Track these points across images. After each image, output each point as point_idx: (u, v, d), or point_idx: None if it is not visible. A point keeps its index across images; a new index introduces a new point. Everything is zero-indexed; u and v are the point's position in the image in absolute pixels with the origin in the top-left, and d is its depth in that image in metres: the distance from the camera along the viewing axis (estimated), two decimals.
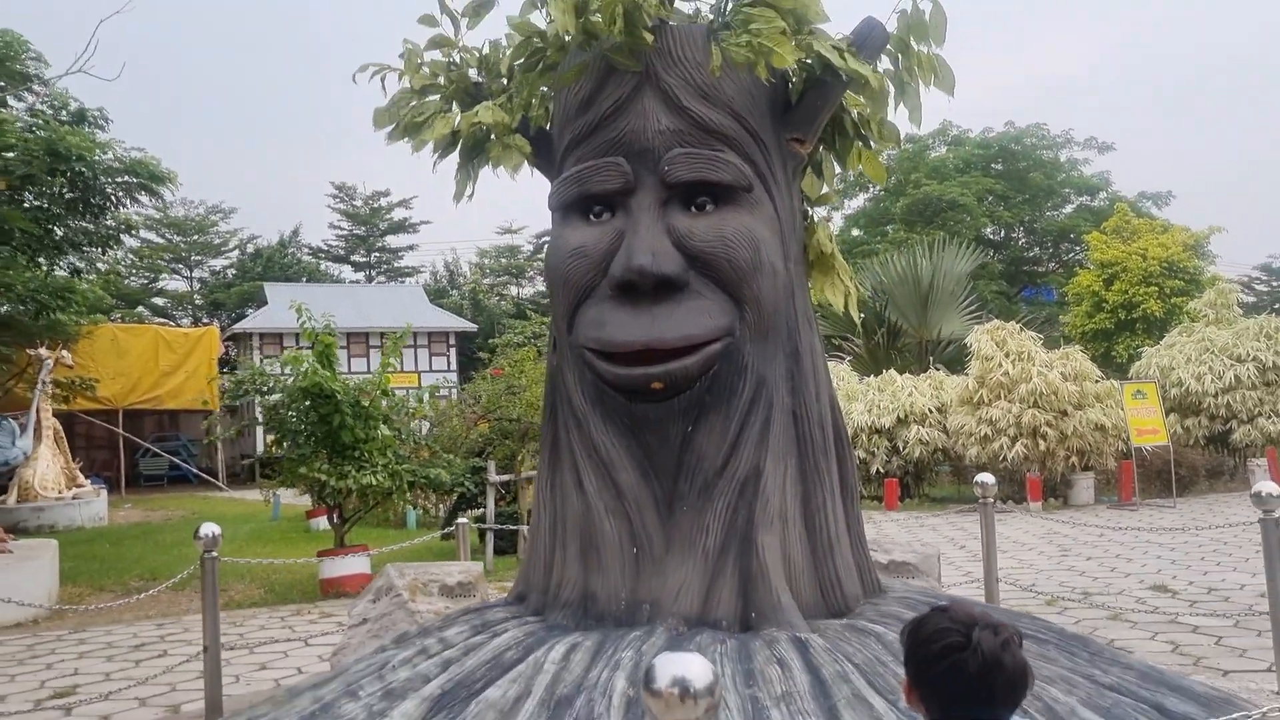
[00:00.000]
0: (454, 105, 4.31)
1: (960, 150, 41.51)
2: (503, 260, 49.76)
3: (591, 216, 4.09)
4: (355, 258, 50.67)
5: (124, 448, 28.09)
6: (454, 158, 4.40)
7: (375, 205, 49.38)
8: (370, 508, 11.54)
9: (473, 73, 4.39)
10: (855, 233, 42.93)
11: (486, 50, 4.40)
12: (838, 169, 4.75)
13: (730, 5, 4.03)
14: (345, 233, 50.06)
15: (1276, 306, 49.44)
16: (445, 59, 4.37)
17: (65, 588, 10.69)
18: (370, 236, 50.07)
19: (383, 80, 4.35)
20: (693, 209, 3.98)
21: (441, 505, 15.05)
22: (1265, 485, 5.28)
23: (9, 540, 10.76)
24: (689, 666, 1.91)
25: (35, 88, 14.29)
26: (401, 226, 49.76)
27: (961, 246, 26.99)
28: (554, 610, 4.12)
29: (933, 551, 6.36)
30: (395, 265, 51.06)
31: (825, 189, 4.76)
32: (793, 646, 3.67)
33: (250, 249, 46.80)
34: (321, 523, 15.05)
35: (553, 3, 3.93)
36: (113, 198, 13.71)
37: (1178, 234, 28.47)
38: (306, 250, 49.35)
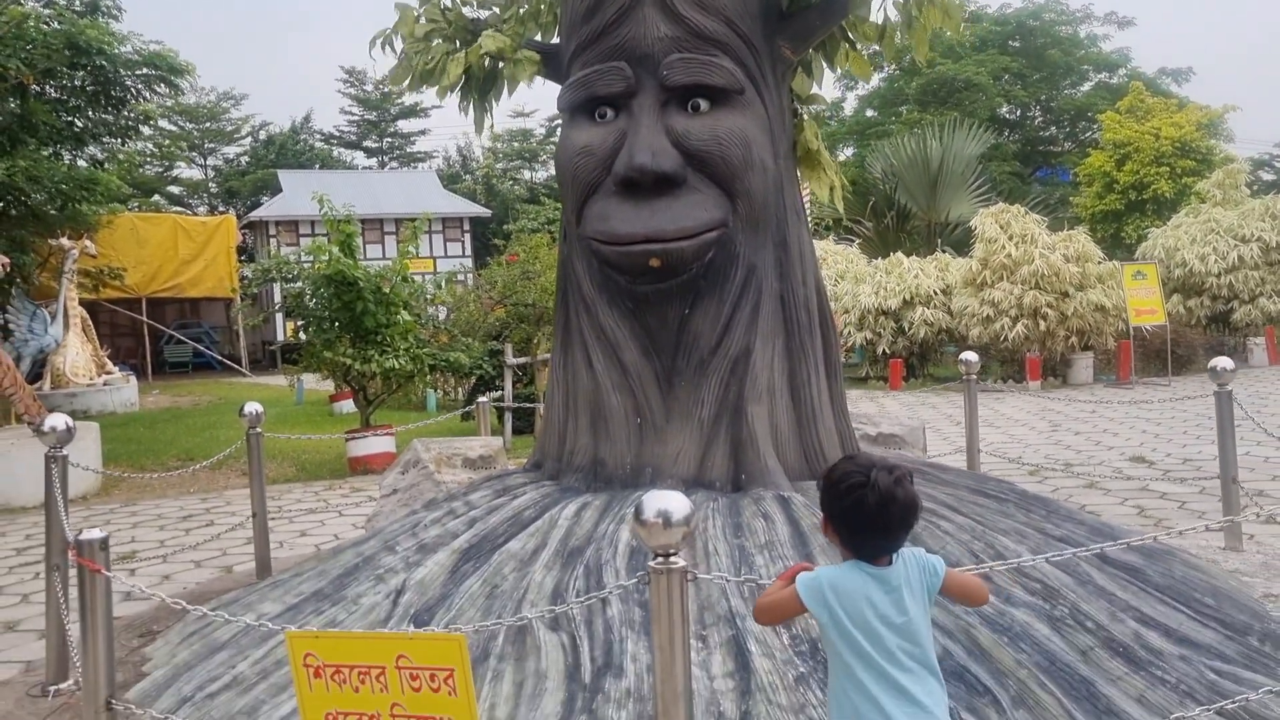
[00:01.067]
0: (458, 44, 4.63)
1: (977, 27, 40.77)
2: (515, 144, 49.56)
3: (597, 117, 4.46)
4: (367, 144, 50.58)
5: (148, 335, 28.74)
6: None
7: (386, 90, 49.02)
8: (393, 390, 12.09)
9: (467, 10, 4.69)
10: (870, 113, 42.53)
11: None
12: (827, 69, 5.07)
13: None
14: (357, 118, 49.86)
15: None
16: (439, 5, 4.67)
17: (108, 467, 11.33)
18: (382, 122, 49.87)
19: (389, 45, 4.67)
20: (690, 110, 4.34)
21: (460, 388, 15.63)
22: (1219, 360, 5.69)
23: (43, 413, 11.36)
24: (670, 500, 2.39)
25: None
26: (413, 111, 49.47)
27: (972, 129, 26.91)
28: (567, 475, 4.64)
29: (918, 425, 6.87)
30: (408, 151, 50.98)
31: (815, 88, 5.09)
32: (776, 503, 4.17)
33: (263, 136, 46.80)
34: (345, 406, 15.67)
35: None
36: (132, 89, 13.97)
37: (1192, 113, 28.26)
38: (319, 136, 49.28)
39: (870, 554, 2.36)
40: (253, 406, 6.20)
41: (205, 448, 12.14)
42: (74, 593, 3.53)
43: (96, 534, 3.14)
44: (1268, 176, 48.52)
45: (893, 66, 41.67)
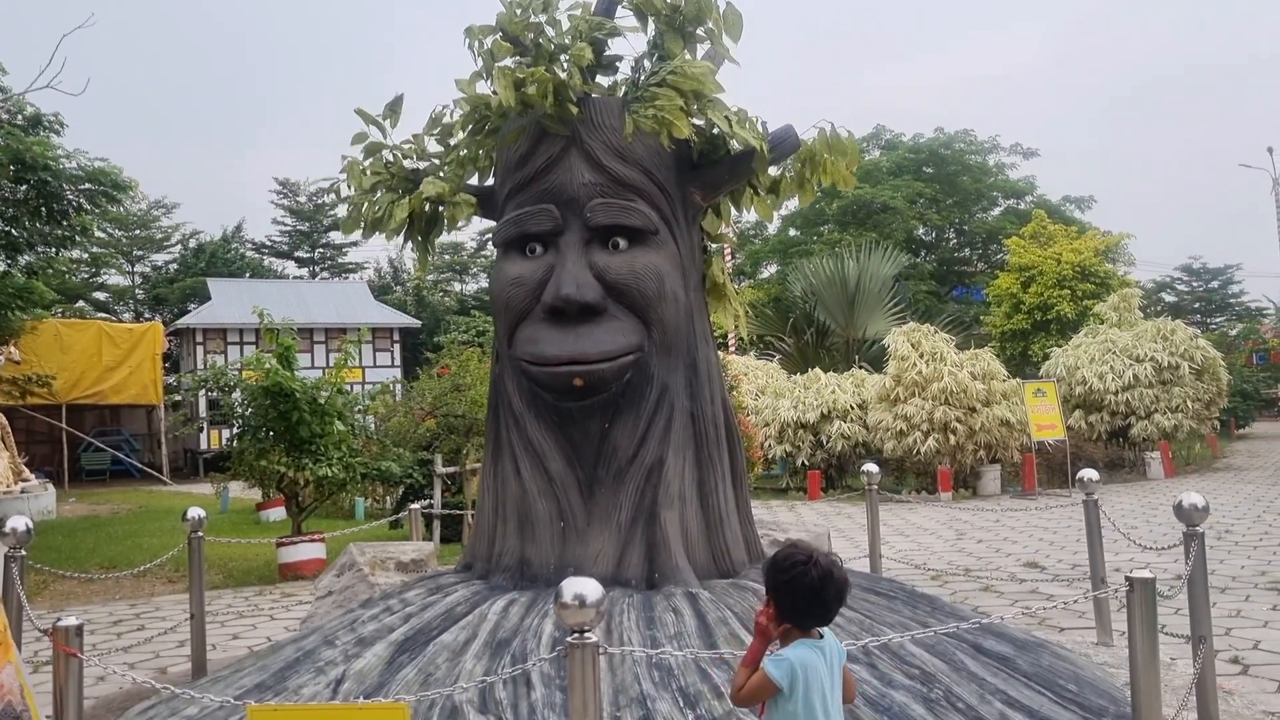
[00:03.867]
0: (401, 192, 5.20)
1: (893, 154, 42.92)
2: (446, 257, 50.35)
3: (528, 252, 5.02)
4: (299, 254, 50.96)
5: (67, 442, 28.37)
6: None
7: (319, 202, 49.69)
8: (325, 498, 12.33)
9: (408, 163, 5.28)
10: (792, 232, 44.11)
11: (425, 126, 5.30)
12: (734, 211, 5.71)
13: (642, 80, 4.98)
14: (289, 229, 50.35)
15: (1196, 306, 51.80)
16: (382, 160, 5.26)
17: (30, 576, 11.31)
18: (314, 233, 50.38)
19: (337, 192, 5.25)
20: (610, 247, 4.92)
21: (389, 497, 15.85)
22: (1086, 472, 6.32)
23: None
24: (585, 586, 2.86)
25: None
26: None
27: (888, 250, 28.25)
28: (496, 574, 5.06)
29: (824, 531, 7.39)
30: (339, 261, 51.43)
31: (724, 228, 5.73)
32: (685, 599, 4.64)
33: (193, 244, 46.93)
34: (273, 514, 15.77)
35: (497, 78, 4.85)
36: (73, 203, 14.33)
37: (1091, 239, 30.02)
38: (250, 246, 49.56)
39: (808, 625, 2.85)
40: (195, 511, 6.51)
41: (128, 556, 12.17)
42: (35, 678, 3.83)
43: (73, 620, 3.48)
44: (1169, 298, 51.11)
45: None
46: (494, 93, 4.93)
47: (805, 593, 2.81)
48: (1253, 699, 5.50)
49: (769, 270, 43.39)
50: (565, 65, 4.88)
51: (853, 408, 19.38)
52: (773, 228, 45.85)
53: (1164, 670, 5.75)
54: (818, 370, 20.83)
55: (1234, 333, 44.75)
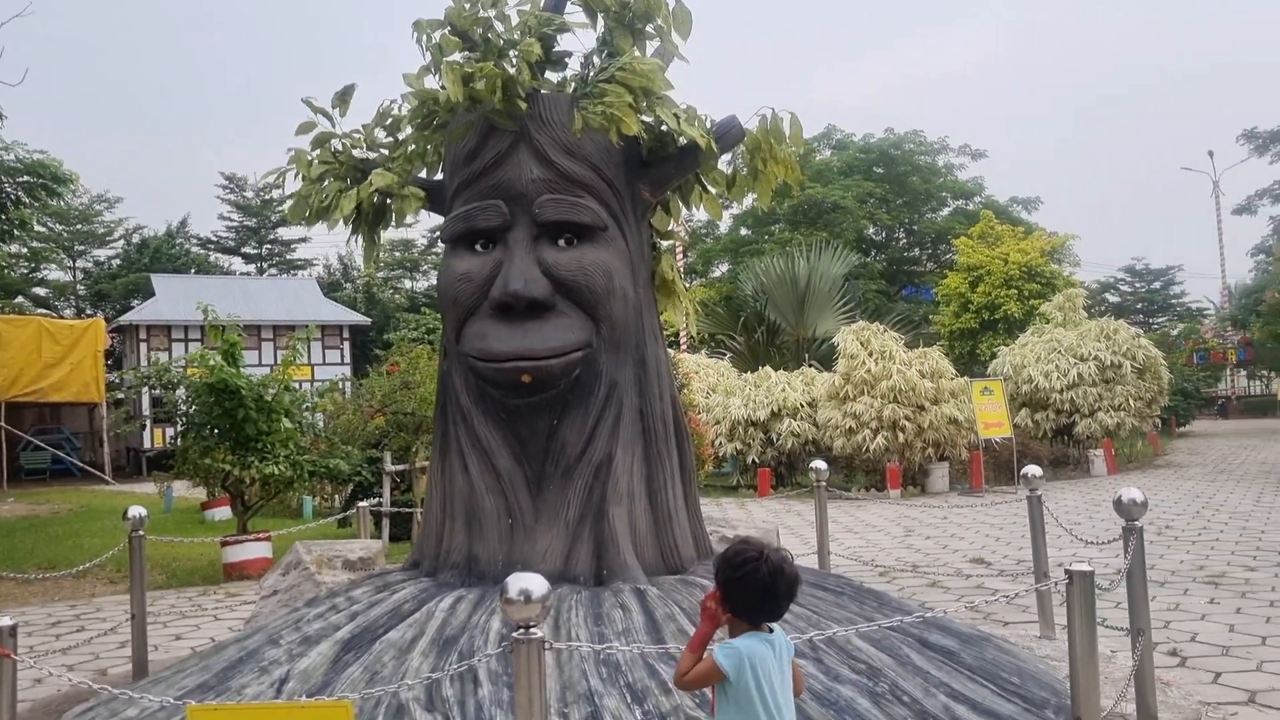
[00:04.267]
0: (349, 182, 5.15)
1: (843, 154, 43.29)
2: (396, 254, 49.96)
3: (477, 247, 4.99)
4: (246, 250, 50.30)
5: (4, 441, 27.75)
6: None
7: (266, 197, 49.08)
8: (271, 497, 12.18)
9: (357, 152, 5.23)
10: (744, 231, 44.34)
11: (373, 120, 5.24)
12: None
13: (591, 76, 4.97)
14: (235, 224, 49.67)
15: (1139, 306, 52.84)
16: (330, 149, 5.21)
17: None
18: (261, 228, 49.75)
19: (281, 181, 5.19)
20: (559, 244, 4.90)
21: (337, 496, 15.70)
22: (1030, 469, 6.41)
23: None
24: (531, 581, 2.85)
25: None
26: None
27: (838, 250, 28.48)
28: (444, 571, 5.03)
29: (772, 528, 7.43)
30: (288, 258, 50.83)
31: (673, 225, 5.73)
32: (633, 595, 4.64)
33: (136, 239, 46.14)
34: (218, 514, 15.55)
35: (445, 73, 4.81)
36: (11, 196, 14.02)
37: (1037, 240, 30.49)
38: (195, 241, 48.82)
39: (759, 620, 2.86)
40: (136, 510, 6.39)
41: (68, 557, 11.94)
42: None
43: (5, 620, 3.41)
44: (1113, 298, 52.06)
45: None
46: (442, 87, 4.90)
47: (757, 588, 2.82)
48: (1190, 689, 5.61)
49: (721, 269, 43.57)
50: (514, 61, 4.85)
51: (803, 406, 19.51)
52: (724, 226, 46.09)
53: (1104, 662, 5.85)
54: (768, 368, 20.94)
55: (1175, 333, 45.76)
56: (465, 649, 4.28)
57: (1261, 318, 33.45)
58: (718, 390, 20.79)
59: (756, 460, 19.40)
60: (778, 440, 19.38)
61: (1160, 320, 51.26)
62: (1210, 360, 43.88)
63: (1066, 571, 3.89)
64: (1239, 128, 45.17)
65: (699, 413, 18.68)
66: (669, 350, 5.57)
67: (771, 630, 2.89)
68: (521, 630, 2.88)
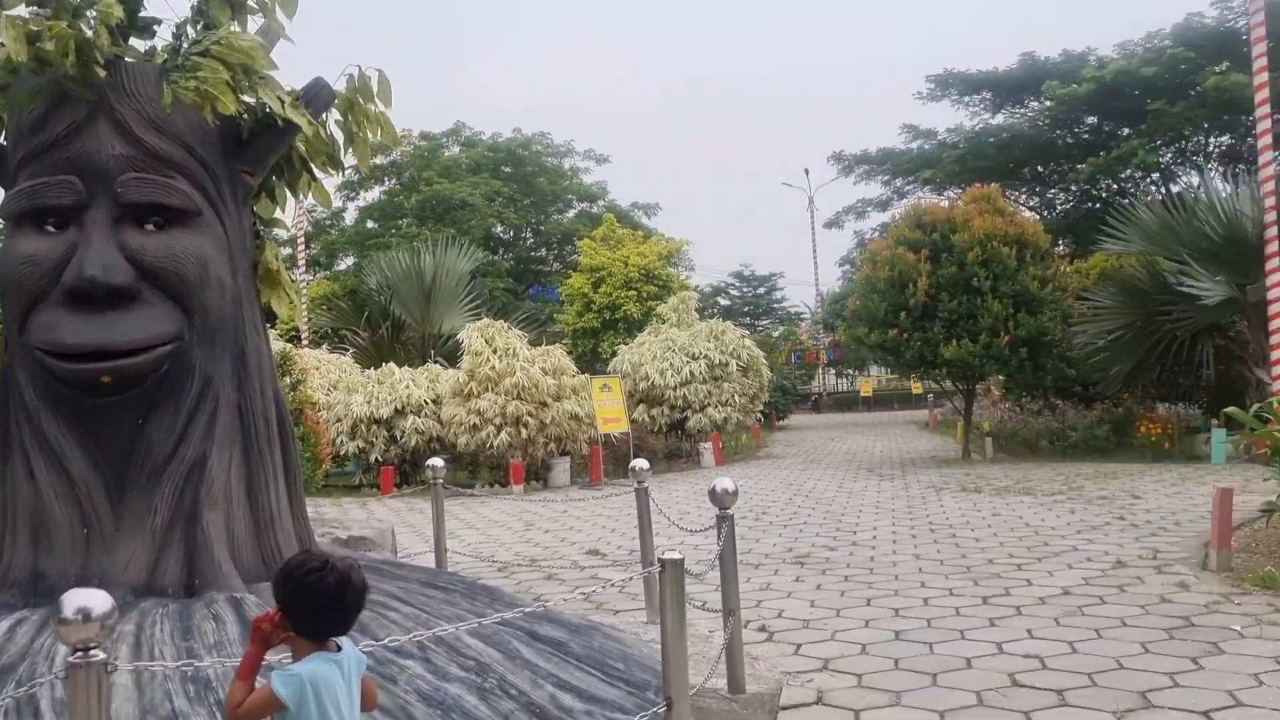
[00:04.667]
0: None
1: (472, 151, 43.43)
2: None
3: (47, 228, 4.45)
4: None
5: None
6: None
7: None
8: None
9: None
10: (370, 224, 43.36)
11: None
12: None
13: (184, 48, 4.59)
14: None
15: (746, 309, 57.25)
16: None
17: None
18: None
19: None
20: (147, 227, 4.48)
21: None
22: (638, 462, 6.71)
23: None
24: (91, 597, 2.56)
25: None
26: None
27: (465, 246, 28.52)
28: (4, 591, 4.45)
29: (388, 527, 7.28)
30: None
31: (278, 212, 5.43)
32: (229, 605, 4.33)
33: None
34: None
35: (5, 29, 4.25)
36: None
37: (655, 244, 32.16)
38: None
39: (325, 635, 2.67)
40: None
41: None
42: None
43: None
44: (724, 301, 56.06)
45: (392, 180, 43.01)
46: (1, 44, 4.33)
47: (323, 600, 2.64)
48: (775, 662, 6.10)
49: (346, 262, 42.32)
50: (92, 22, 4.37)
51: (427, 403, 19.34)
52: (349, 219, 44.86)
53: (703, 642, 6.24)
54: (392, 365, 20.58)
55: (776, 334, 50.12)
56: (24, 676, 3.81)
57: (845, 322, 37.31)
58: (339, 387, 20.13)
59: (380, 459, 18.99)
60: (401, 438, 19.08)
61: (764, 322, 55.91)
62: (805, 360, 48.56)
63: (659, 560, 4.08)
64: (829, 149, 50.11)
65: (318, 410, 17.99)
66: (290, 345, 5.27)
67: (339, 648, 2.71)
68: (80, 653, 2.58)
